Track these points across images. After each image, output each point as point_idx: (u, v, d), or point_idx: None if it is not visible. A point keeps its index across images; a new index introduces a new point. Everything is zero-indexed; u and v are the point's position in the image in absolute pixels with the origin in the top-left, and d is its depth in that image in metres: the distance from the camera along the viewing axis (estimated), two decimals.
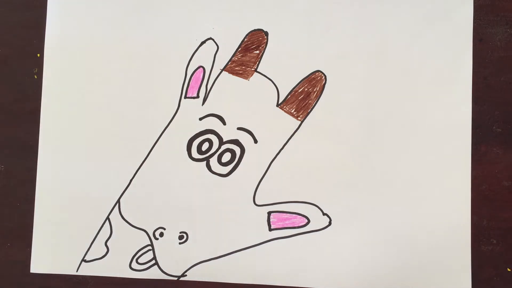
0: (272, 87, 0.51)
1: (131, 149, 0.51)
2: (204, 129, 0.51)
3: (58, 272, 0.50)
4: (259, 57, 0.51)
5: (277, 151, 0.50)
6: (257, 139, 0.50)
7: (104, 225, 0.51)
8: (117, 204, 0.51)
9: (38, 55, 0.52)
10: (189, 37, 0.51)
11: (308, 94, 0.50)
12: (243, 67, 0.51)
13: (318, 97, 0.50)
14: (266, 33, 0.51)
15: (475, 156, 0.50)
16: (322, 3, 0.51)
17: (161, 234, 0.50)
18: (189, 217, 0.50)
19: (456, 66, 0.50)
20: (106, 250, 0.50)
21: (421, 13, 0.50)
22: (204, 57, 0.51)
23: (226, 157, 0.51)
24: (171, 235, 0.50)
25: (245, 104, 0.50)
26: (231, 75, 0.51)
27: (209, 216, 0.50)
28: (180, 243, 0.50)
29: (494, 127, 0.50)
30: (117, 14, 0.51)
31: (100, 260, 0.50)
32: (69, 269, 0.50)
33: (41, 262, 0.50)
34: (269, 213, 0.50)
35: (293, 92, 0.51)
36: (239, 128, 0.51)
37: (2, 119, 0.52)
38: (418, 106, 0.50)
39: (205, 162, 0.51)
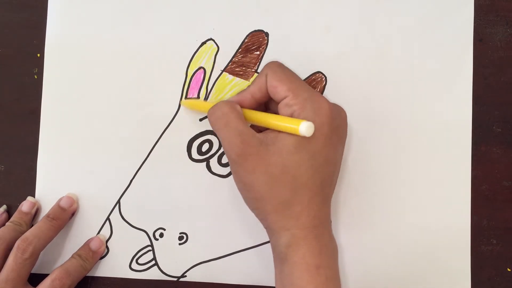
0: None
1: (131, 150, 0.51)
2: (204, 129, 0.51)
3: None
4: (259, 58, 0.51)
5: None
6: None
7: (105, 226, 0.50)
8: (117, 205, 0.50)
9: (38, 55, 0.51)
10: (190, 38, 0.51)
11: None
12: (244, 68, 0.51)
13: None
14: (267, 34, 0.51)
15: (475, 156, 0.50)
16: (322, 3, 0.51)
17: (161, 235, 0.50)
18: (189, 218, 0.50)
19: (457, 66, 0.50)
20: (106, 250, 0.50)
21: (421, 13, 0.50)
22: (204, 58, 0.51)
23: (226, 158, 0.51)
24: (171, 236, 0.50)
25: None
26: (231, 76, 0.51)
27: (209, 216, 0.50)
28: (180, 244, 0.50)
29: (494, 127, 0.50)
30: (117, 14, 0.51)
31: (100, 260, 0.50)
32: None
33: (41, 262, 0.50)
34: None
35: None
36: None
37: (2, 119, 0.51)
38: (418, 106, 0.50)
39: (205, 162, 0.51)
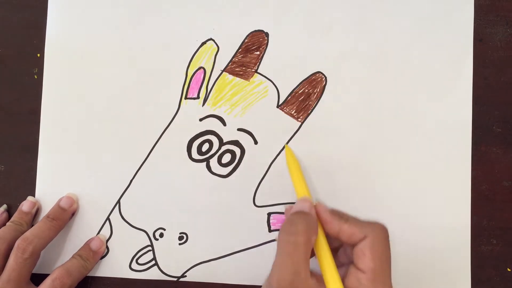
0: (272, 88, 0.51)
1: (131, 150, 0.51)
2: (204, 130, 0.51)
3: None
4: (259, 58, 0.51)
5: (277, 152, 0.50)
6: (257, 140, 0.51)
7: (105, 226, 0.50)
8: (117, 205, 0.50)
9: (38, 55, 0.51)
10: (190, 38, 0.51)
11: (308, 95, 0.51)
12: (244, 68, 0.51)
13: (318, 98, 0.51)
14: (267, 34, 0.51)
15: (475, 156, 0.50)
16: (322, 3, 0.51)
17: (161, 235, 0.50)
18: (189, 218, 0.50)
19: (457, 66, 0.50)
20: (106, 250, 0.50)
21: (421, 13, 0.51)
22: (204, 58, 0.51)
23: (226, 158, 0.51)
24: (171, 236, 0.50)
25: (246, 105, 0.51)
26: (231, 76, 0.51)
27: (209, 217, 0.50)
28: (180, 244, 0.50)
29: (494, 127, 0.50)
30: (117, 14, 0.51)
31: (100, 260, 0.50)
32: None
33: (41, 262, 0.50)
34: (269, 214, 0.50)
35: (293, 93, 0.51)
36: (239, 129, 0.51)
37: (2, 119, 0.52)
38: (418, 106, 0.50)
39: (205, 163, 0.51)
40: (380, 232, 0.40)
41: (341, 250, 0.44)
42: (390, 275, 0.41)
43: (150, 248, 0.50)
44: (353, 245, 0.40)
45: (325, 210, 0.42)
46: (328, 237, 0.42)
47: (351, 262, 0.41)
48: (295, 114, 0.51)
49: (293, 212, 0.42)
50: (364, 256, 0.39)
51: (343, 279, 0.40)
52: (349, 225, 0.41)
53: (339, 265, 0.41)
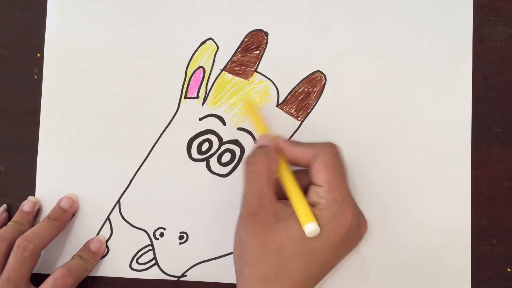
0: (272, 87, 0.51)
1: (131, 149, 0.51)
2: (204, 129, 0.51)
3: None
4: (259, 57, 0.51)
5: None
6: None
7: (105, 225, 0.51)
8: (117, 204, 0.51)
9: (38, 55, 0.52)
10: (189, 37, 0.51)
11: (308, 94, 0.50)
12: (243, 67, 0.51)
13: (318, 97, 0.50)
14: (266, 34, 0.51)
15: (475, 156, 0.50)
16: (322, 3, 0.51)
17: (162, 234, 0.50)
18: (189, 217, 0.50)
19: (456, 66, 0.50)
20: (106, 250, 0.50)
21: (421, 13, 0.50)
22: (204, 57, 0.51)
23: (226, 157, 0.51)
24: (171, 235, 0.50)
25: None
26: (231, 75, 0.51)
27: (209, 216, 0.50)
28: (180, 243, 0.50)
29: (494, 127, 0.50)
30: (117, 14, 0.51)
31: (100, 260, 0.50)
32: None
33: (41, 262, 0.50)
34: None
35: (293, 92, 0.51)
36: (239, 129, 0.51)
37: (2, 119, 0.52)
38: (418, 106, 0.50)
39: (205, 162, 0.51)
40: (331, 149, 0.44)
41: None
42: (347, 187, 0.44)
43: (150, 247, 0.51)
44: (310, 166, 0.44)
45: (282, 140, 0.46)
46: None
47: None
48: (294, 113, 0.51)
49: (254, 147, 0.46)
50: (319, 172, 0.43)
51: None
52: (303, 148, 0.45)
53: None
